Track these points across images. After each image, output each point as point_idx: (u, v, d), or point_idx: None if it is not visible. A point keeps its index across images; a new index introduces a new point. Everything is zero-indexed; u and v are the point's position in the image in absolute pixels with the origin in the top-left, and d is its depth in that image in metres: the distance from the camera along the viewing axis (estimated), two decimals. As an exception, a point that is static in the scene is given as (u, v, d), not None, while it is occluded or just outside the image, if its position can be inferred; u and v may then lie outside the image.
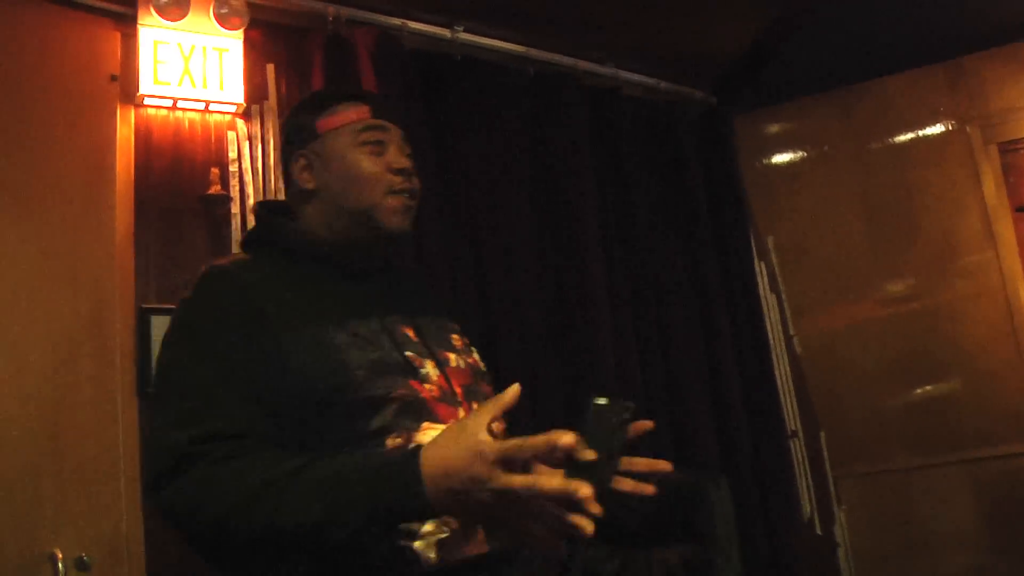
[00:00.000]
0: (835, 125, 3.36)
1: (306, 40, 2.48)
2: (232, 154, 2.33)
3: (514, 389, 1.02)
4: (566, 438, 0.95)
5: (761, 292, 3.29)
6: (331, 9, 2.48)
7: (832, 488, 3.23)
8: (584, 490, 0.92)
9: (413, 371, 1.25)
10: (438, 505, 1.00)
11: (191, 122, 2.30)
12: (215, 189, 2.26)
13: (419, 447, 1.04)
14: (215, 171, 2.27)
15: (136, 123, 2.22)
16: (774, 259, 3.38)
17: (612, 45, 3.01)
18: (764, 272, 3.36)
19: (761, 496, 2.95)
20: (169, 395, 1.19)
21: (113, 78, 2.18)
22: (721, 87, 3.37)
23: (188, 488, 1.09)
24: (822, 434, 3.27)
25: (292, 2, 2.45)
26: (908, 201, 3.24)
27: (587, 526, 0.94)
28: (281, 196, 2.34)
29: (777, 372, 3.21)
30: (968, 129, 3.18)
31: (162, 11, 2.19)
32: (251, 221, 2.29)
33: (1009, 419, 3.02)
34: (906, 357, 3.19)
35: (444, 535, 1.15)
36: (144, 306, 2.12)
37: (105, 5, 2.19)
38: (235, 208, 2.29)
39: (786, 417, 3.18)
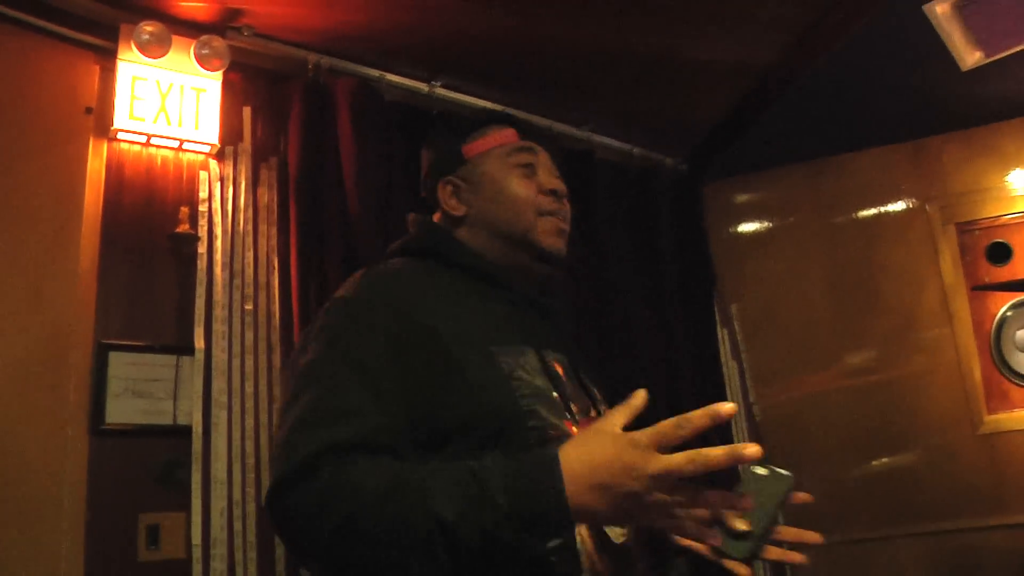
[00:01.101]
0: (802, 197, 3.43)
1: (285, 86, 2.49)
2: (203, 194, 2.32)
3: (641, 394, 1.02)
4: (726, 407, 0.92)
5: (723, 358, 3.32)
6: (312, 57, 2.51)
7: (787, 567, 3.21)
8: (750, 449, 0.88)
9: (565, 410, 1.19)
10: (578, 502, 0.94)
11: (164, 159, 2.30)
12: (184, 228, 2.24)
13: (557, 447, 0.99)
14: (185, 210, 2.26)
15: (108, 157, 2.21)
16: (737, 326, 3.41)
17: (587, 109, 3.06)
18: (727, 338, 3.39)
19: (718, 567, 2.92)
20: (308, 393, 1.09)
21: (88, 110, 2.18)
22: (693, 155, 3.43)
23: (315, 489, 1.00)
24: (780, 503, 3.26)
25: (273, 48, 2.47)
26: (870, 275, 3.30)
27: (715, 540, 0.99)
28: (249, 239, 2.33)
29: (736, 439, 3.22)
30: (928, 208, 3.26)
31: (143, 48, 2.20)
32: (219, 263, 2.27)
33: (964, 493, 3.05)
34: (865, 429, 3.22)
35: None
36: (104, 341, 2.09)
37: (86, 38, 2.20)
38: (202, 248, 2.27)
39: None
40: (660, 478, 0.91)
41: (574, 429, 1.16)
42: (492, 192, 1.35)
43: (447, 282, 1.26)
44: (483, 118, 1.43)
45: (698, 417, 0.93)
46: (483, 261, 1.31)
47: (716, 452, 0.90)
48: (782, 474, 1.04)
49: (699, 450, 0.91)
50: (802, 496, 1.10)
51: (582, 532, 1.09)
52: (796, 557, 1.12)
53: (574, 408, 1.22)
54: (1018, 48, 2.69)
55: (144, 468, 2.07)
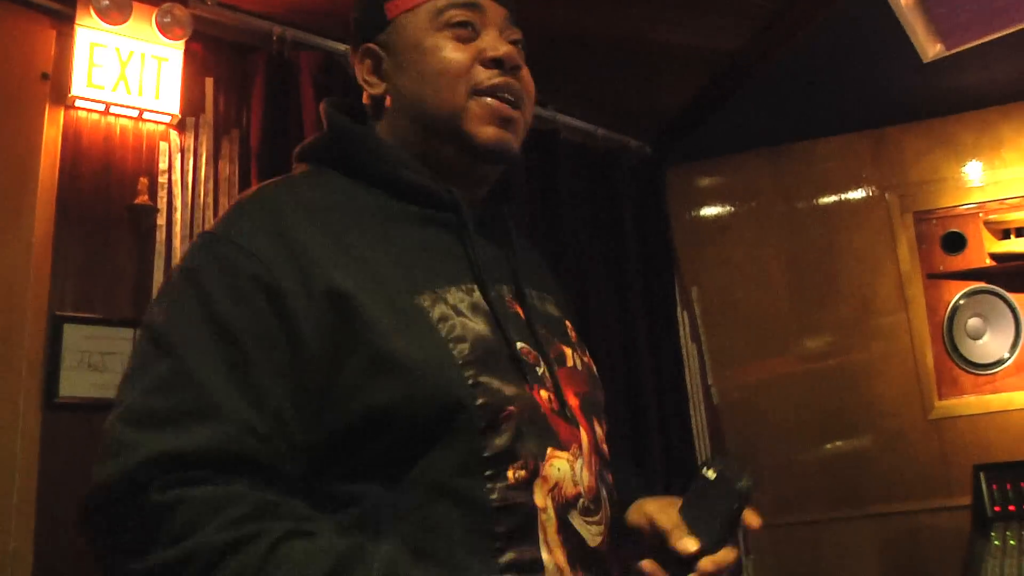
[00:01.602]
0: (764, 182, 3.46)
1: (249, 58, 2.45)
2: (163, 165, 2.28)
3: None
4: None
5: (682, 340, 3.35)
6: (277, 29, 2.47)
7: (742, 538, 3.27)
8: None
9: (528, 370, 0.91)
10: None
11: (123, 129, 2.25)
12: (142, 199, 2.20)
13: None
14: (144, 181, 2.22)
15: (65, 125, 2.16)
16: (697, 309, 3.45)
17: (553, 89, 3.05)
18: (686, 321, 3.42)
19: (673, 543, 2.96)
20: (154, 366, 0.83)
21: (44, 76, 2.12)
22: (657, 138, 3.45)
23: (139, 515, 0.77)
24: (735, 484, 3.32)
25: (237, 18, 2.43)
26: (829, 261, 3.35)
27: None
28: (209, 212, 2.30)
29: (694, 421, 3.26)
30: (887, 196, 3.31)
31: (102, 13, 2.14)
32: (178, 235, 2.24)
33: (915, 477, 3.12)
34: (821, 412, 3.27)
35: None
36: (58, 313, 2.05)
37: (42, 2, 2.14)
38: (161, 220, 2.24)
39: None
40: None
41: (542, 394, 0.91)
42: (415, 63, 1.00)
43: (357, 204, 0.96)
44: None
45: None
46: (402, 171, 0.98)
47: None
48: (736, 485, 0.89)
49: None
50: (752, 520, 0.95)
51: (549, 535, 0.86)
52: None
53: (540, 361, 0.95)
54: (978, 41, 2.73)
55: (98, 443, 2.04)
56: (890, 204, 3.30)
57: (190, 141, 2.33)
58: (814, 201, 3.41)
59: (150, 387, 0.82)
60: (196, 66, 2.38)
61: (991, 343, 3.16)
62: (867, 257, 3.31)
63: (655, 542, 0.93)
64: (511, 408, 0.86)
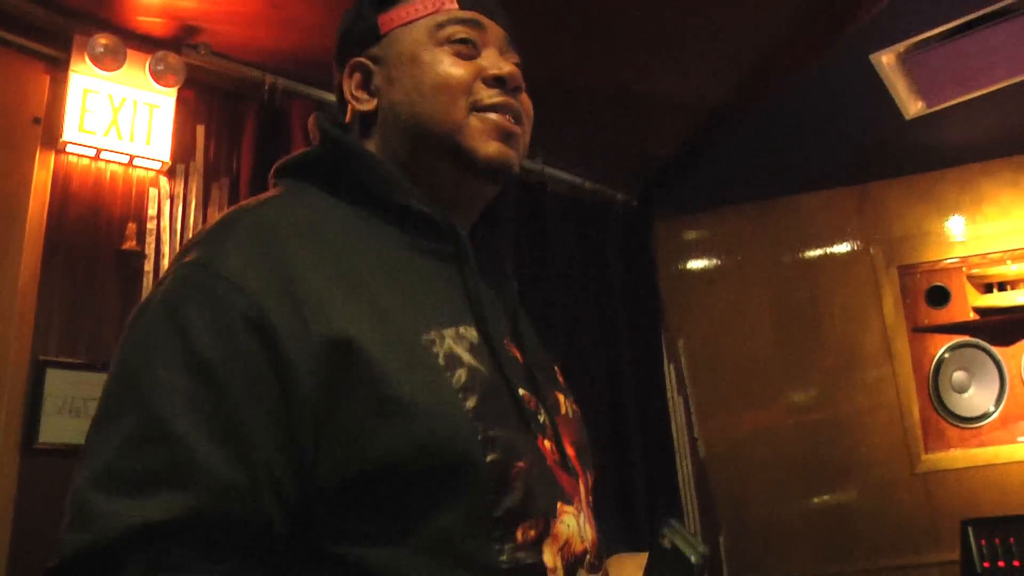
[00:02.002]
0: (750, 236, 3.50)
1: (240, 106, 2.48)
2: (152, 211, 2.28)
3: None
4: None
5: (668, 392, 3.34)
6: (268, 78, 2.50)
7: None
8: None
9: (531, 418, 0.85)
10: None
11: (113, 174, 2.26)
12: (130, 245, 2.21)
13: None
14: (132, 226, 2.22)
15: (55, 169, 2.17)
16: (683, 361, 3.45)
17: (541, 142, 3.09)
18: (673, 373, 3.42)
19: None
20: (124, 417, 0.74)
21: (36, 121, 2.14)
22: (644, 190, 3.48)
23: None
24: (721, 539, 3.29)
25: (229, 67, 2.46)
26: (815, 314, 3.37)
27: None
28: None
29: (679, 473, 3.24)
30: (872, 250, 3.34)
31: (97, 60, 2.17)
32: (164, 279, 2.23)
33: (902, 531, 3.10)
34: (807, 465, 3.26)
35: None
36: (41, 357, 2.03)
37: (37, 47, 2.16)
38: (148, 266, 2.24)
39: (687, 519, 3.20)
40: None
41: (546, 444, 0.85)
42: (410, 77, 0.94)
43: (352, 227, 0.88)
44: None
45: None
46: (406, 196, 0.90)
47: None
48: (681, 555, 0.82)
49: None
50: None
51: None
52: None
53: (540, 408, 0.89)
54: (957, 100, 2.79)
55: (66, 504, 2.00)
56: (875, 258, 3.33)
57: (180, 187, 2.34)
58: (799, 255, 3.44)
59: (121, 444, 0.72)
60: (188, 113, 2.40)
61: (976, 396, 3.17)
62: (852, 310, 3.33)
63: None
64: (520, 464, 0.79)
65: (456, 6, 0.96)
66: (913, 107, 2.84)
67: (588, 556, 0.84)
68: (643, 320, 3.31)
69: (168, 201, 2.31)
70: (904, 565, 3.06)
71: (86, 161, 2.22)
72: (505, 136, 0.93)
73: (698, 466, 3.36)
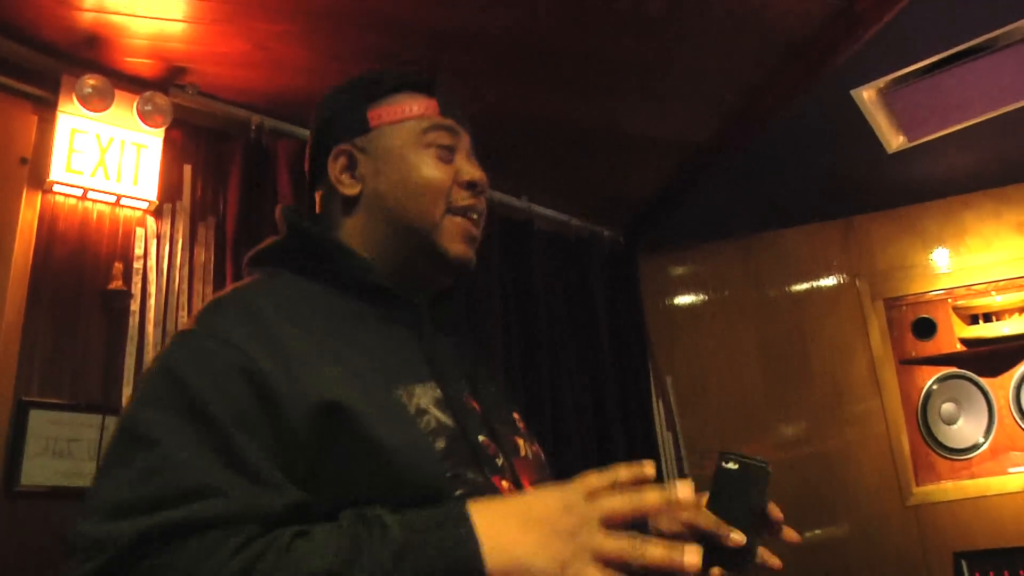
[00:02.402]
0: (736, 271, 3.51)
1: (227, 145, 2.49)
2: (139, 251, 2.28)
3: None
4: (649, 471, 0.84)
5: (658, 429, 3.33)
6: (255, 118, 2.51)
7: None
8: (683, 491, 0.83)
9: (487, 460, 0.96)
10: (496, 544, 0.78)
11: (100, 214, 2.26)
12: (116, 284, 2.20)
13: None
14: (119, 266, 2.22)
15: (42, 208, 2.17)
16: (672, 398, 3.44)
17: (527, 179, 3.11)
18: (662, 410, 3.41)
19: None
20: (123, 467, 0.80)
21: (24, 161, 2.14)
22: (629, 227, 3.50)
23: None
24: (714, 575, 3.25)
25: (216, 107, 2.47)
26: (802, 348, 3.37)
27: None
28: (183, 297, 2.29)
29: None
30: (858, 283, 3.36)
31: (85, 101, 2.18)
32: (151, 320, 2.23)
33: (893, 564, 3.08)
34: (797, 500, 3.24)
35: None
36: (24, 398, 2.01)
37: (25, 88, 2.18)
38: (135, 305, 2.23)
39: (680, 556, 3.16)
40: (605, 519, 0.81)
41: (503, 484, 0.96)
42: (397, 172, 1.06)
43: (323, 303, 1.00)
44: (398, 80, 1.13)
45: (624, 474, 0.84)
46: (368, 275, 1.03)
47: (653, 496, 0.83)
48: (756, 466, 0.98)
49: (635, 492, 0.82)
50: (776, 514, 1.05)
51: None
52: (775, 563, 1.05)
53: (499, 453, 1.00)
54: (938, 134, 2.83)
55: (60, 534, 1.97)
56: (860, 291, 3.35)
57: (166, 227, 2.34)
58: (785, 289, 3.46)
59: (128, 482, 0.79)
60: (175, 153, 2.41)
61: (966, 428, 3.17)
62: (839, 344, 3.34)
63: (705, 544, 0.95)
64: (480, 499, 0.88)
65: (439, 113, 1.10)
66: (895, 141, 2.88)
67: None
68: (630, 356, 3.31)
69: (155, 240, 2.31)
70: (897, 599, 3.04)
71: (73, 201, 2.22)
72: (470, 239, 1.09)
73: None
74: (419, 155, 1.07)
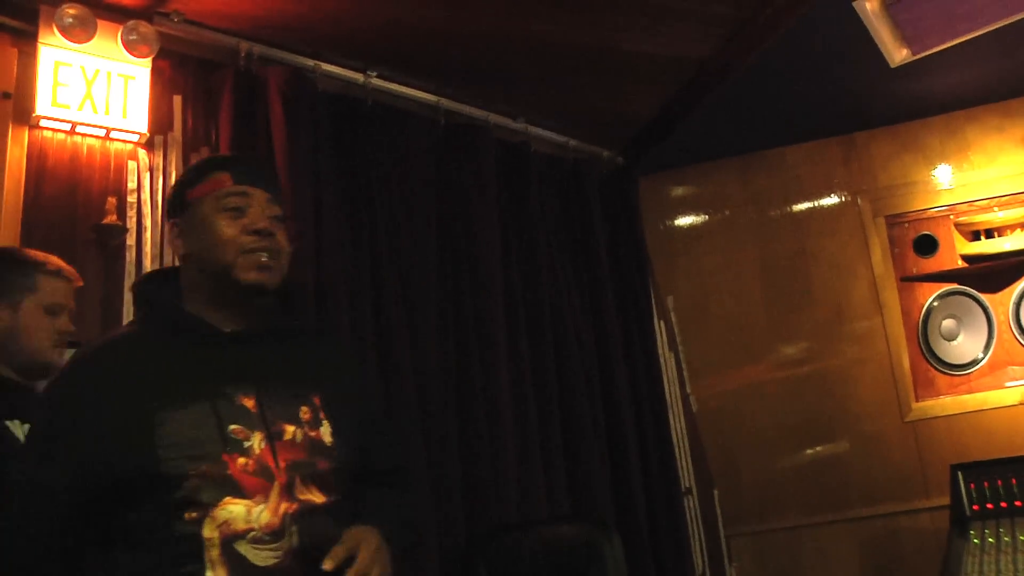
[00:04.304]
0: (736, 190, 3.48)
1: (216, 74, 2.43)
2: (131, 184, 2.25)
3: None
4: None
5: (660, 350, 3.35)
6: (244, 45, 2.45)
7: (724, 545, 3.27)
8: None
9: (232, 444, 1.30)
10: None
11: (90, 148, 2.23)
12: (111, 219, 2.17)
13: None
14: (112, 200, 2.19)
15: (30, 145, 2.13)
16: (673, 318, 3.45)
17: (524, 101, 3.05)
18: (663, 331, 3.42)
19: (654, 552, 2.96)
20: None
21: (6, 96, 2.09)
22: (628, 148, 3.45)
23: None
24: (715, 492, 3.32)
25: (203, 35, 2.41)
26: (803, 267, 3.37)
27: None
28: (180, 230, 2.29)
29: (673, 430, 3.25)
30: (859, 201, 3.34)
31: (66, 32, 2.12)
32: (148, 255, 2.22)
33: (892, 479, 3.14)
34: (798, 419, 3.29)
35: None
36: (23, 336, 2.01)
37: (2, 20, 2.11)
38: (131, 240, 2.21)
39: (680, 474, 3.22)
40: None
41: (240, 461, 1.28)
42: (203, 233, 1.42)
43: (142, 343, 1.39)
44: (207, 165, 1.52)
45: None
46: (174, 314, 1.43)
47: None
48: None
49: None
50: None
51: (212, 556, 1.23)
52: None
53: (257, 437, 1.32)
54: (943, 46, 2.76)
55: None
56: (862, 209, 3.33)
57: (159, 159, 2.31)
58: (786, 208, 3.44)
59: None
60: (163, 84, 2.36)
61: (965, 344, 3.19)
62: (840, 262, 3.33)
63: None
64: (192, 472, 1.25)
65: (231, 183, 1.44)
66: (898, 55, 2.81)
67: (253, 533, 1.26)
68: (631, 278, 3.30)
69: (148, 173, 2.29)
70: (895, 512, 3.11)
71: (61, 136, 2.18)
72: (262, 268, 1.41)
73: (691, 421, 3.38)
74: (215, 218, 1.41)
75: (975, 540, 2.49)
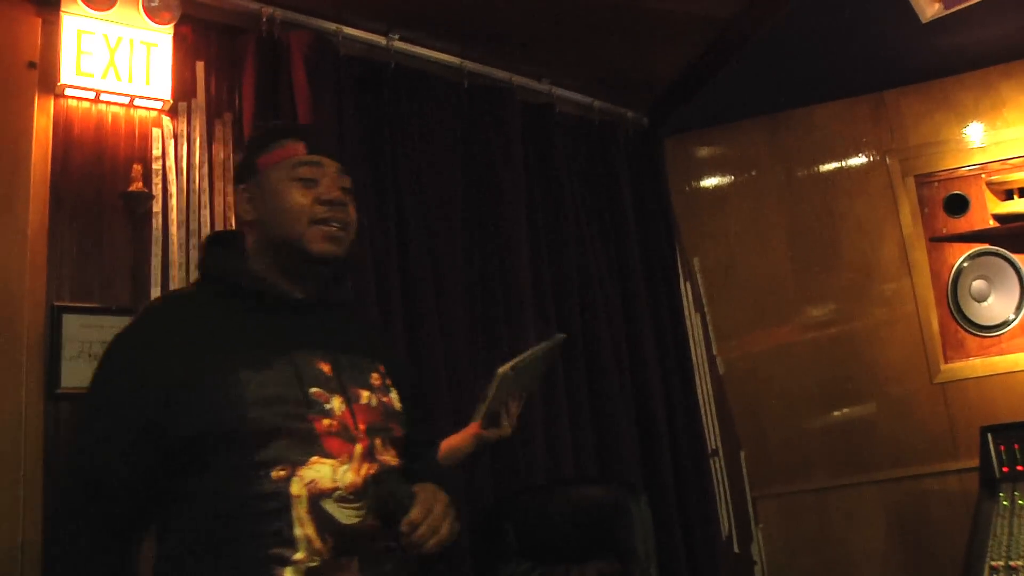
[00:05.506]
0: (762, 151, 3.44)
1: (239, 40, 2.43)
2: (156, 151, 2.26)
3: None
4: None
5: (686, 312, 3.34)
6: (266, 10, 2.44)
7: (751, 507, 3.28)
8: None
9: (315, 406, 1.33)
10: None
11: (115, 116, 2.23)
12: (137, 186, 2.19)
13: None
14: (138, 168, 2.20)
15: (55, 114, 2.14)
16: (700, 280, 3.43)
17: (548, 62, 3.02)
18: (689, 292, 3.41)
19: (681, 514, 2.98)
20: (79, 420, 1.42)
21: (31, 65, 2.10)
22: (654, 109, 3.42)
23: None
24: (742, 453, 3.32)
25: (226, 0, 2.40)
26: (831, 228, 3.33)
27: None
28: (204, 196, 2.30)
29: (699, 391, 3.25)
30: (888, 160, 3.28)
31: (88, 0, 2.12)
32: (174, 221, 2.23)
33: (919, 441, 3.12)
34: (825, 380, 3.27)
35: (315, 564, 1.24)
36: (56, 304, 2.04)
37: (23, -12, 2.11)
38: (156, 206, 2.23)
39: (707, 436, 3.22)
40: None
41: (325, 422, 1.31)
42: (273, 201, 1.45)
43: (213, 303, 1.41)
44: (279, 131, 1.53)
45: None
46: (237, 278, 1.44)
47: None
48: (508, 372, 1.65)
49: None
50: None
51: (300, 513, 1.25)
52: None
53: (336, 400, 1.36)
54: (976, 0, 2.69)
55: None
56: (891, 168, 3.28)
57: (183, 126, 2.32)
58: (814, 168, 3.39)
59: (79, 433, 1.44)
60: (186, 50, 2.36)
61: (996, 305, 3.15)
62: (869, 223, 3.29)
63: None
64: (281, 429, 1.27)
65: (304, 152, 1.47)
66: (930, 9, 2.74)
67: (338, 492, 1.29)
68: (657, 239, 3.29)
69: (172, 140, 2.29)
70: (923, 474, 3.09)
71: (86, 104, 2.19)
72: (331, 239, 1.44)
73: (717, 383, 3.37)
74: (287, 186, 1.45)
75: (1004, 502, 2.47)
